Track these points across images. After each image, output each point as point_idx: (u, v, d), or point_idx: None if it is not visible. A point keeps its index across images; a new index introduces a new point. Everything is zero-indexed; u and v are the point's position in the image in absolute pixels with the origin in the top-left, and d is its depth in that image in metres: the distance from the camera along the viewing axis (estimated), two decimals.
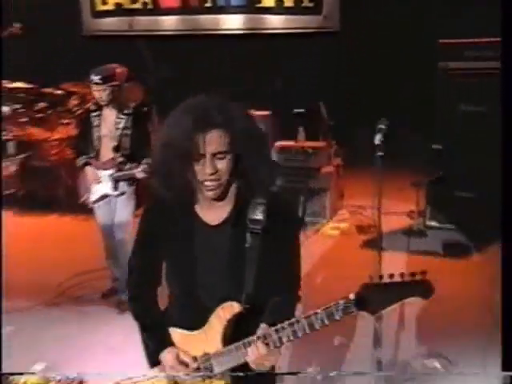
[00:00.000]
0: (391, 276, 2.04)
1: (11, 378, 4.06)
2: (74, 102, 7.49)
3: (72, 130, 7.01)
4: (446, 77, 6.09)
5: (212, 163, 2.08)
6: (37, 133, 7.71)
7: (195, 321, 2.21)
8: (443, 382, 4.13)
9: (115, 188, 4.90)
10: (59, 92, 7.68)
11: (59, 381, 4.02)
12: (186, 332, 2.26)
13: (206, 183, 2.11)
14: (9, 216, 7.47)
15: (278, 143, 6.94)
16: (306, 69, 8.77)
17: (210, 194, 2.12)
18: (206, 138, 2.06)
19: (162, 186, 2.17)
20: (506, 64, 2.78)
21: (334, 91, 8.44)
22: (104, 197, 4.95)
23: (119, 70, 4.96)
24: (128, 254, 4.98)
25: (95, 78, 4.83)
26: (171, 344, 2.25)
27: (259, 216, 2.15)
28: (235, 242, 2.18)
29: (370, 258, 6.00)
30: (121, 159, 4.88)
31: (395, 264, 5.88)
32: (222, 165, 2.09)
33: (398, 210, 6.89)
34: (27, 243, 6.57)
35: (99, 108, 4.95)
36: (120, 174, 4.85)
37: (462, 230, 6.13)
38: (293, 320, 2.09)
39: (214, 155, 2.08)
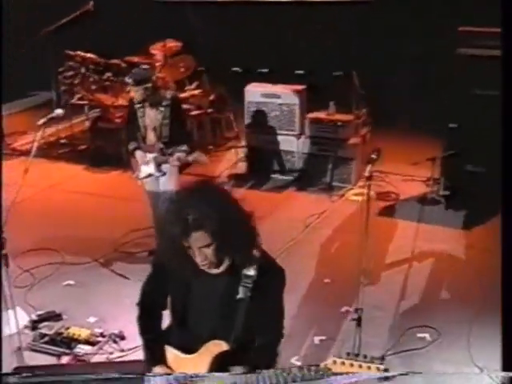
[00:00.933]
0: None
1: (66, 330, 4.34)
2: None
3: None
4: (465, 61, 5.87)
5: (200, 254, 2.21)
6: (104, 98, 7.87)
7: (188, 347, 2.32)
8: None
9: (158, 169, 5.05)
10: (124, 64, 7.76)
11: (103, 335, 4.28)
12: (178, 354, 2.37)
13: (200, 264, 2.23)
14: (79, 170, 7.76)
15: (311, 115, 6.86)
16: (341, 38, 8.47)
17: (206, 269, 2.24)
18: (190, 241, 2.17)
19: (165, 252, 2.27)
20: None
21: (366, 61, 8.17)
22: (149, 175, 5.10)
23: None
24: None
25: (130, 81, 5.01)
26: (164, 361, 2.36)
27: (251, 272, 2.25)
28: (228, 291, 2.28)
29: (384, 227, 6.07)
30: (161, 145, 5.01)
31: (406, 233, 5.89)
32: (210, 251, 2.20)
33: (416, 178, 6.82)
34: (93, 198, 6.79)
35: (142, 101, 5.04)
36: (160, 158, 5.00)
37: (471, 201, 6.03)
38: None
39: (200, 248, 2.18)
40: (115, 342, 4.20)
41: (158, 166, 5.04)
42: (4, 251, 3.83)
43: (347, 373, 2.10)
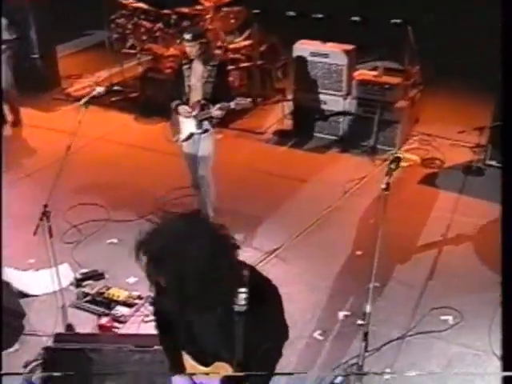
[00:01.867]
0: None
1: (107, 290, 4.65)
2: (185, 24, 7.58)
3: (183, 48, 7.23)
4: None
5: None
6: (155, 48, 7.96)
7: (200, 361, 2.51)
8: None
9: (199, 126, 5.15)
10: (174, 16, 7.77)
11: (140, 297, 4.59)
12: (194, 364, 2.54)
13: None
14: (129, 120, 7.96)
15: (359, 76, 6.76)
16: None
17: None
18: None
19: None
20: None
21: (421, 17, 7.88)
22: (191, 135, 5.22)
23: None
24: (207, 188, 5.26)
25: (187, 36, 5.02)
26: (183, 369, 2.56)
27: (242, 301, 2.28)
28: (226, 318, 2.33)
29: (425, 196, 6.05)
30: (204, 102, 5.09)
31: (445, 205, 5.87)
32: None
33: (463, 143, 6.71)
34: (140, 151, 7.00)
35: (190, 61, 5.12)
36: (202, 114, 5.07)
37: None
38: None
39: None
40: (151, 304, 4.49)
41: (200, 122, 5.14)
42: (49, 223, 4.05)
43: None
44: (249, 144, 7.07)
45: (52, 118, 8.00)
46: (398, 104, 6.62)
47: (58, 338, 3.63)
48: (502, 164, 2.66)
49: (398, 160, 2.97)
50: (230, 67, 8.07)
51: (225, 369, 2.44)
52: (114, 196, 6.03)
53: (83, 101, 4.37)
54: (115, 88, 8.52)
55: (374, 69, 6.98)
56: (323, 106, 6.97)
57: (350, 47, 6.80)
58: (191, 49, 5.04)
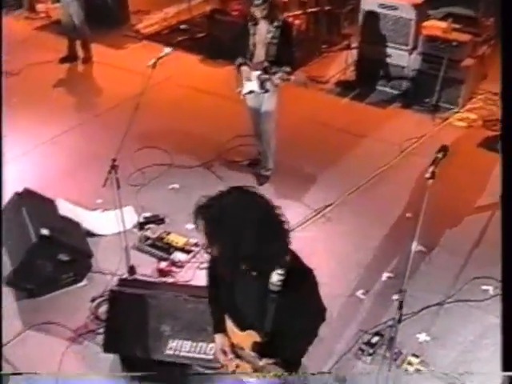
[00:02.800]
0: None
1: (167, 235, 5.02)
2: None
3: None
4: None
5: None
6: None
7: (238, 325, 2.78)
8: None
9: (261, 87, 5.31)
10: None
11: (197, 245, 4.94)
12: (233, 327, 2.82)
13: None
14: (196, 62, 8.14)
15: (427, 31, 6.67)
16: None
17: None
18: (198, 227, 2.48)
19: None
20: None
21: None
22: (251, 92, 5.39)
23: None
24: (268, 141, 5.14)
25: (256, 1, 5.06)
26: (224, 330, 2.86)
27: (276, 280, 2.49)
28: (260, 291, 2.56)
29: (483, 159, 6.04)
30: (266, 64, 5.22)
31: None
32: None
33: None
34: (204, 95, 7.22)
35: (255, 20, 5.20)
36: (264, 77, 5.22)
37: None
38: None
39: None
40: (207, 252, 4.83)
41: (262, 83, 5.31)
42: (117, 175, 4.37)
43: None
44: (310, 93, 7.13)
45: (121, 55, 8.29)
46: (464, 62, 6.53)
47: (121, 282, 4.04)
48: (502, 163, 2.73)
49: (445, 149, 3.07)
50: (297, 12, 8.12)
51: (255, 337, 2.69)
52: (177, 140, 6.32)
53: (151, 62, 4.55)
54: (182, 27, 8.70)
55: (446, 16, 6.88)
56: (388, 60, 6.95)
57: (419, 0, 6.67)
58: (258, 10, 5.12)
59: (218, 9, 8.16)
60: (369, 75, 7.16)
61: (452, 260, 4.78)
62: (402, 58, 6.85)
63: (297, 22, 8.20)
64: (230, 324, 2.83)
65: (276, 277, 2.50)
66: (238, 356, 2.82)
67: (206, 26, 8.30)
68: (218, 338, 2.88)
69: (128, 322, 3.83)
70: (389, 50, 6.89)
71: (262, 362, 2.67)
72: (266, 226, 2.41)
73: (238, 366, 2.84)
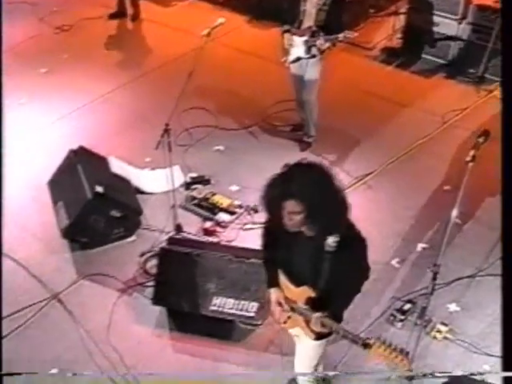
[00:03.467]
0: None
1: (212, 196, 5.28)
2: None
3: None
4: None
5: (289, 217, 2.77)
6: None
7: (292, 281, 3.08)
8: None
9: (307, 52, 5.42)
10: None
11: (241, 206, 5.20)
12: (287, 283, 3.11)
13: (286, 225, 2.83)
14: (242, 23, 8.23)
15: (477, 0, 6.64)
16: None
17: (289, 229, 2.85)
18: (285, 204, 2.73)
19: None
20: None
21: None
22: (298, 59, 5.50)
23: None
24: (311, 109, 5.50)
25: None
26: (278, 285, 3.14)
27: (332, 243, 2.81)
28: (317, 252, 2.86)
29: None
30: (315, 29, 5.31)
31: None
32: (297, 217, 2.75)
33: None
34: (249, 57, 7.35)
35: None
36: (311, 41, 5.32)
37: None
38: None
39: (290, 213, 2.75)
40: (249, 214, 5.11)
41: (308, 48, 5.41)
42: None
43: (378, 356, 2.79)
44: (355, 60, 7.24)
45: (169, 13, 8.43)
46: None
47: (171, 240, 4.34)
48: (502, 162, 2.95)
49: (487, 134, 3.21)
50: None
51: (309, 292, 3.01)
52: (222, 102, 6.52)
53: (206, 31, 4.72)
54: None
55: None
56: (435, 28, 6.95)
57: None
58: None
59: None
60: (415, 43, 7.18)
61: (486, 234, 4.92)
62: (451, 27, 6.83)
63: None
64: (284, 281, 3.13)
65: (332, 239, 2.81)
66: (291, 309, 3.12)
67: None
68: (274, 291, 3.16)
69: (176, 278, 4.15)
70: (437, 19, 6.89)
71: (315, 315, 2.98)
72: (335, 197, 2.78)
73: (289, 317, 3.17)
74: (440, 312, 4.33)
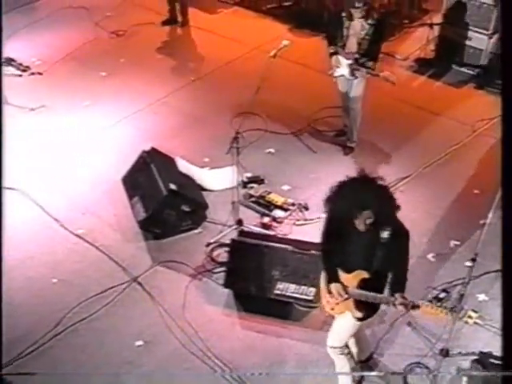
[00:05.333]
0: None
1: (268, 194, 6.05)
2: None
3: None
4: None
5: (363, 222, 3.62)
6: None
7: (346, 269, 3.86)
8: None
9: (351, 74, 6.16)
10: None
11: (293, 204, 5.95)
12: (342, 272, 3.89)
13: (359, 228, 3.66)
14: (284, 31, 8.93)
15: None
16: None
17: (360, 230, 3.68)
18: (361, 215, 3.56)
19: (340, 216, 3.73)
20: None
21: None
22: (342, 75, 6.24)
23: None
24: (355, 118, 6.42)
25: (357, 4, 5.82)
26: (337, 280, 3.89)
27: (386, 235, 3.63)
28: (371, 242, 3.67)
29: None
30: (358, 56, 6.04)
31: None
32: (369, 221, 3.59)
33: None
34: (291, 65, 8.05)
35: (351, 16, 5.95)
36: (355, 66, 6.06)
37: None
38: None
39: (365, 219, 3.57)
40: (301, 211, 5.88)
41: (352, 71, 6.16)
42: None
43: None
44: (390, 70, 7.92)
45: (215, 20, 9.18)
46: None
47: (241, 233, 5.13)
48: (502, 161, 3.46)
49: None
50: None
51: (363, 275, 3.80)
52: (269, 108, 7.22)
53: (272, 53, 5.39)
54: None
55: None
56: (467, 42, 7.66)
57: None
58: (356, 11, 5.87)
59: None
60: (447, 55, 7.90)
61: None
62: (482, 41, 7.54)
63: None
64: (339, 271, 3.90)
65: (386, 232, 3.63)
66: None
67: None
68: (335, 285, 3.92)
69: (245, 265, 4.93)
70: (469, 33, 7.60)
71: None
72: (393, 203, 3.63)
73: (337, 304, 3.96)
74: (471, 301, 5.07)
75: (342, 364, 4.31)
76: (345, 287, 3.90)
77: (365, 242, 3.75)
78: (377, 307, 4.00)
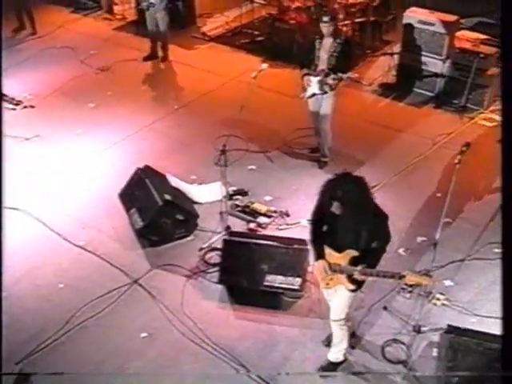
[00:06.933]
0: None
1: (252, 204, 6.76)
2: None
3: (308, 2, 9.14)
4: None
5: (336, 209, 4.31)
6: (282, 1, 9.70)
7: (336, 249, 4.53)
8: None
9: (321, 88, 6.94)
10: None
11: (275, 212, 6.64)
12: (331, 251, 4.54)
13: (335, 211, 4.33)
14: (257, 62, 9.73)
15: (458, 43, 8.30)
16: None
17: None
18: (333, 205, 4.28)
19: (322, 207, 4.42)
20: None
21: None
22: (313, 95, 7.02)
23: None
24: (326, 136, 7.10)
25: (325, 19, 6.69)
26: (323, 257, 4.57)
27: (366, 226, 4.35)
28: (357, 225, 4.37)
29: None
30: (327, 71, 6.81)
31: None
32: (340, 209, 4.29)
33: None
34: (266, 93, 8.87)
35: (322, 37, 6.83)
36: (323, 80, 6.82)
37: None
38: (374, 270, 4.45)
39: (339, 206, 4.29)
40: (283, 217, 6.57)
41: (321, 86, 6.93)
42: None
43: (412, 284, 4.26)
44: (357, 93, 8.84)
45: (192, 55, 10.03)
46: (489, 71, 8.15)
47: (231, 233, 5.79)
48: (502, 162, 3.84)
49: (468, 144, 4.74)
50: (346, 21, 9.75)
51: (353, 253, 4.47)
52: (248, 130, 7.99)
53: (253, 74, 6.21)
54: (244, 30, 10.39)
55: (476, 25, 8.45)
56: (424, 67, 8.59)
57: (453, 18, 8.31)
58: (326, 28, 6.73)
59: (278, 18, 9.79)
60: (407, 79, 8.81)
61: (473, 229, 6.45)
62: (437, 65, 8.48)
63: (345, 29, 9.83)
64: (328, 251, 4.56)
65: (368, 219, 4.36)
66: (334, 271, 4.55)
67: (267, 33, 9.96)
68: (320, 262, 4.59)
69: (237, 261, 5.58)
70: (425, 59, 8.54)
71: (358, 267, 4.44)
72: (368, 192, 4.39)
73: (331, 279, 4.60)
74: (438, 286, 5.79)
75: (341, 337, 4.96)
76: (336, 265, 4.57)
77: (350, 227, 4.41)
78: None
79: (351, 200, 4.26)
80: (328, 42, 6.81)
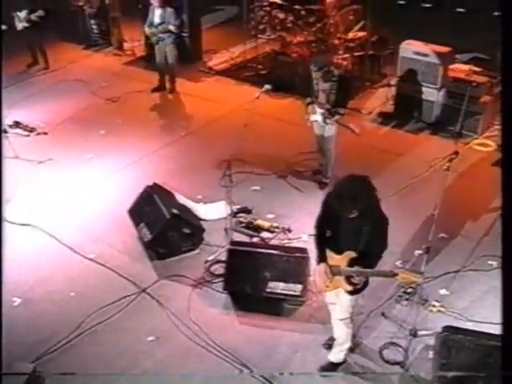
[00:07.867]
0: None
1: (255, 221, 7.11)
2: (313, 18, 9.86)
3: (310, 36, 9.67)
4: None
5: (348, 212, 4.60)
6: (285, 36, 10.26)
7: (337, 251, 4.84)
8: None
9: (324, 121, 7.41)
10: (303, 11, 10.03)
11: (278, 227, 6.99)
12: (332, 254, 4.84)
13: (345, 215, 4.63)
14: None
15: (452, 73, 8.79)
16: None
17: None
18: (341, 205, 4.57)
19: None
20: None
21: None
22: (316, 121, 7.50)
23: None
24: (329, 157, 7.53)
25: (314, 68, 7.20)
26: (325, 260, 4.88)
27: (367, 226, 4.62)
28: (357, 227, 4.64)
29: (497, 175, 8.03)
30: (328, 106, 7.30)
31: None
32: (352, 213, 4.58)
33: None
34: (270, 120, 9.34)
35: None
36: (326, 115, 7.32)
37: None
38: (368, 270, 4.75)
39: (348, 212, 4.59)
40: (285, 232, 6.91)
41: (324, 119, 7.41)
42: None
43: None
44: (357, 122, 9.24)
45: (199, 87, 10.55)
46: (482, 99, 8.60)
47: (235, 243, 6.13)
48: (502, 163, 3.98)
49: (457, 153, 5.13)
50: (345, 55, 10.29)
51: (352, 255, 4.75)
52: (252, 155, 8.41)
53: (257, 95, 6.64)
54: (249, 64, 10.95)
55: (471, 60, 8.96)
56: (420, 96, 9.05)
57: (447, 49, 8.82)
58: (315, 73, 7.22)
59: (281, 52, 10.35)
60: (405, 108, 9.27)
61: (468, 243, 6.78)
62: (432, 94, 8.95)
63: (344, 63, 10.37)
64: (329, 254, 4.87)
65: (368, 223, 4.66)
66: (334, 274, 4.85)
67: (270, 66, 10.51)
68: (322, 266, 4.88)
69: (241, 269, 5.90)
70: (421, 88, 9.00)
71: (354, 268, 4.73)
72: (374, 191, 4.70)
73: (331, 281, 4.89)
74: (434, 295, 6.09)
75: (345, 338, 5.23)
76: (336, 267, 4.87)
77: (352, 228, 4.69)
78: (366, 282, 4.95)
79: (359, 198, 4.50)
80: (322, 82, 7.25)
